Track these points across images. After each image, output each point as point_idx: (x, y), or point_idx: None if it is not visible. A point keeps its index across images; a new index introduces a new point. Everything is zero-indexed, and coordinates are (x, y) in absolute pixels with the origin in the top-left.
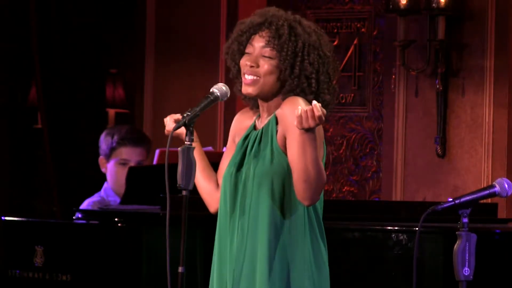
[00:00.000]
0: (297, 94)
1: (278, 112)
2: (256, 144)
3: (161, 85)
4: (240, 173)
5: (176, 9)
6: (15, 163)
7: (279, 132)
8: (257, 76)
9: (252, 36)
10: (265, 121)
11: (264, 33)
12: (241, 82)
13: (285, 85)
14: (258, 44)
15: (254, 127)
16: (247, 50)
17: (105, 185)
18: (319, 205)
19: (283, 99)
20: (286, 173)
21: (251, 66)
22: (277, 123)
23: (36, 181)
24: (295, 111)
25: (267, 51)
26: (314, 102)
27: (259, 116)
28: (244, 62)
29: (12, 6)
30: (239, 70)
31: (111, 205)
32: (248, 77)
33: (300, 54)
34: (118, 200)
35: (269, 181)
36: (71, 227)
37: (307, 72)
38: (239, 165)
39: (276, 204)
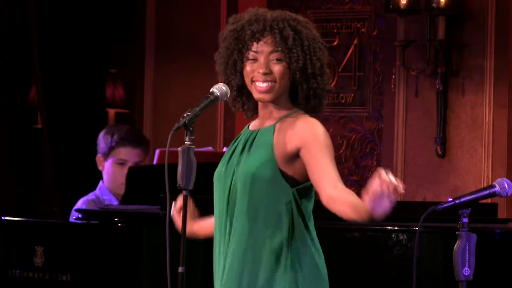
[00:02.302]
0: (309, 97)
1: (291, 128)
2: (249, 143)
3: (161, 85)
4: (228, 170)
5: (176, 9)
6: (15, 163)
7: (283, 143)
8: (273, 82)
9: (254, 44)
10: (265, 124)
11: (268, 39)
12: (239, 90)
13: (297, 91)
14: (264, 50)
15: (248, 127)
16: (251, 57)
17: (101, 183)
18: (304, 208)
19: (298, 105)
20: (272, 180)
21: (265, 73)
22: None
23: (36, 181)
24: (381, 175)
25: (276, 55)
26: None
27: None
28: (255, 69)
29: (12, 6)
30: (241, 79)
31: (111, 204)
32: (263, 84)
33: (308, 51)
34: (113, 199)
35: (252, 182)
36: (71, 227)
37: (316, 68)
38: (228, 161)
39: (255, 208)
